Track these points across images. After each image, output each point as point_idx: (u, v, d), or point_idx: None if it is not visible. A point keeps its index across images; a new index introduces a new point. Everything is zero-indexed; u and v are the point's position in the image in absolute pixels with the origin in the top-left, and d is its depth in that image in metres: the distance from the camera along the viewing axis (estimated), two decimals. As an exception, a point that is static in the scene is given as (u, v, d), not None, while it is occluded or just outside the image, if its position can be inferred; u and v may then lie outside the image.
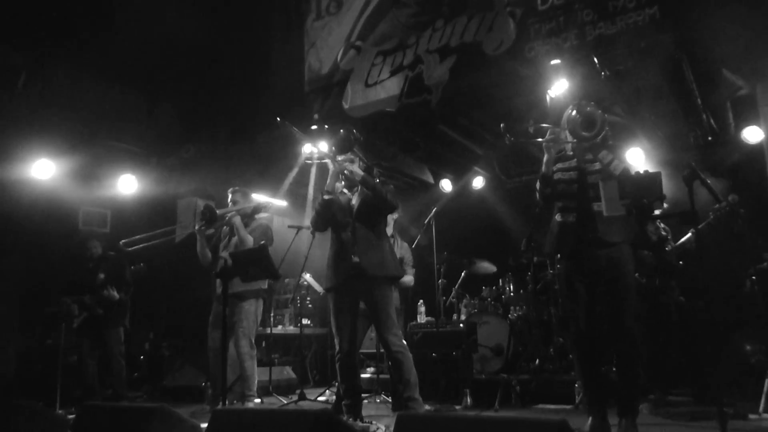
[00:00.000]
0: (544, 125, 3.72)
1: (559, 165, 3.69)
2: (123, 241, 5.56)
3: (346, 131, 4.31)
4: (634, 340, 3.52)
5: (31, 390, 5.95)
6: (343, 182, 4.28)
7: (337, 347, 4.12)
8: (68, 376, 5.62)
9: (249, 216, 5.34)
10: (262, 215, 5.64)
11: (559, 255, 3.78)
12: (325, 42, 7.13)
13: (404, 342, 4.11)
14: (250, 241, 5.10)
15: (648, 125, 6.16)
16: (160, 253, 5.60)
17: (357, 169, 4.17)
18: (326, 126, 6.52)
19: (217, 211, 5.06)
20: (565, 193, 3.64)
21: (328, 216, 4.25)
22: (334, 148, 4.27)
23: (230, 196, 5.44)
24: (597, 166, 3.55)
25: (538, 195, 3.73)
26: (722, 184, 5.45)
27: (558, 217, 3.67)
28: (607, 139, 3.52)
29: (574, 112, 3.54)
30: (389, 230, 5.10)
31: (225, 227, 5.35)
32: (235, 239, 5.21)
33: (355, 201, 4.26)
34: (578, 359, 3.80)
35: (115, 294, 5.79)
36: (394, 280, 4.25)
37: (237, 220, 5.18)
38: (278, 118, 5.44)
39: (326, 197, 4.21)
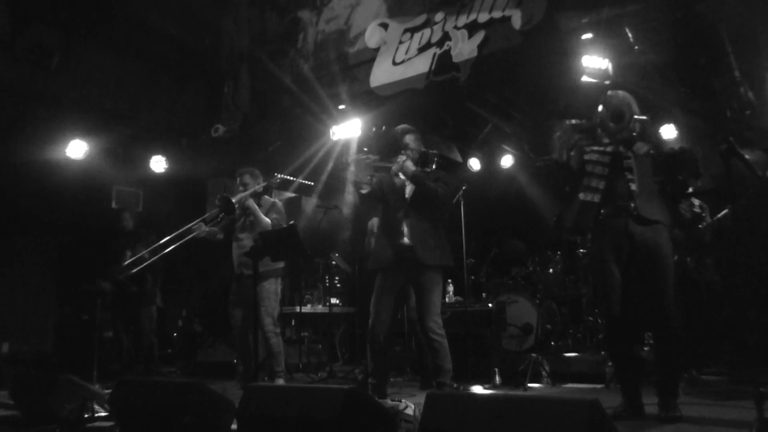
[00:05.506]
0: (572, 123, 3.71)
1: (595, 148, 3.67)
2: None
3: (390, 132, 4.21)
4: (675, 324, 3.49)
5: (69, 364, 6.11)
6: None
7: (371, 325, 4.10)
8: (105, 350, 5.75)
9: (259, 195, 5.37)
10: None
11: (590, 235, 3.73)
12: (352, 20, 7.05)
13: (443, 330, 4.08)
14: (267, 222, 5.15)
15: (683, 99, 6.00)
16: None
17: (408, 164, 4.06)
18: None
19: (232, 199, 5.08)
20: (593, 172, 3.62)
21: (373, 203, 4.24)
22: (377, 150, 4.20)
23: (239, 179, 5.43)
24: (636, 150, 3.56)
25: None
26: (760, 160, 5.30)
27: (582, 196, 3.65)
28: (640, 131, 3.53)
29: (601, 108, 3.58)
30: None
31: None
32: (251, 219, 5.26)
33: (409, 189, 4.18)
34: (610, 340, 3.78)
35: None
36: (447, 268, 4.19)
37: (251, 203, 5.22)
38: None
39: (363, 191, 4.14)
